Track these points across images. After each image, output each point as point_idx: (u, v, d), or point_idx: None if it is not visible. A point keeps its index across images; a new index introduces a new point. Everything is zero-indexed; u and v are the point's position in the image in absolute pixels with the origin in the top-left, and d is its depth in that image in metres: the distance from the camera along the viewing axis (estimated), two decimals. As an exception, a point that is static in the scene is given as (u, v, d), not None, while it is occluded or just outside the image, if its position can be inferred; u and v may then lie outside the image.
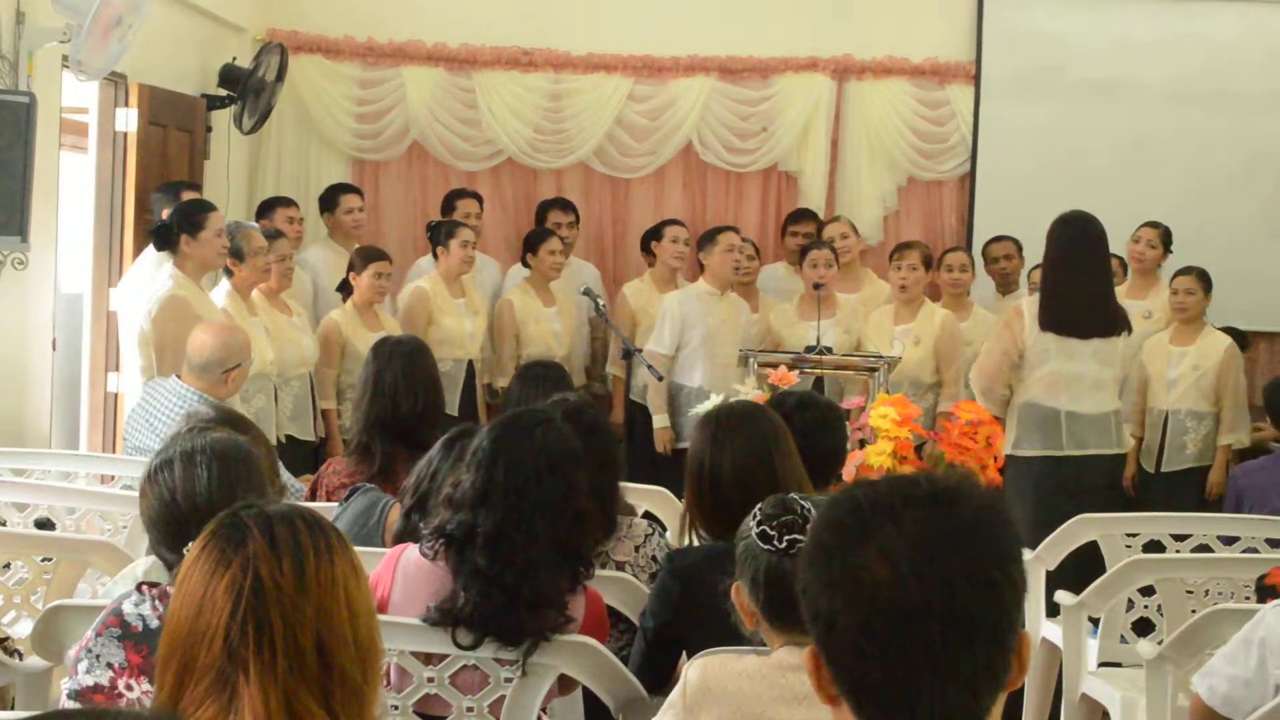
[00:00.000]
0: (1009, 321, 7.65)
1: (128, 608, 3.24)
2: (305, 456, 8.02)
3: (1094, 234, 7.60)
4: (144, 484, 3.44)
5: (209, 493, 3.34)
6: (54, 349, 7.83)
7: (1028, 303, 7.65)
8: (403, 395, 5.81)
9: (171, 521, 3.33)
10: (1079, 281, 7.53)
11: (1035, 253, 9.66)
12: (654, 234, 9.86)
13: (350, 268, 8.73)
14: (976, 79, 10.86)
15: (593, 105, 10.84)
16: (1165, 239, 9.34)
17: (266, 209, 9.35)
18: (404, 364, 5.89)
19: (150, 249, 7.59)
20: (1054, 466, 7.48)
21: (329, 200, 9.78)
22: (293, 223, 9.20)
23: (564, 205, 10.28)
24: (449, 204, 9.96)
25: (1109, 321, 7.59)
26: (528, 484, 3.96)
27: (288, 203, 9.46)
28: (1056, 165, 10.64)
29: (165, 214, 7.61)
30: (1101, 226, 7.64)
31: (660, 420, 9.03)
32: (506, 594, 3.89)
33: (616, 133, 10.88)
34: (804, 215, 10.40)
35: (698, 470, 4.38)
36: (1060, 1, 10.84)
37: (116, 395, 8.42)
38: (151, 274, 7.50)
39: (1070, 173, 10.52)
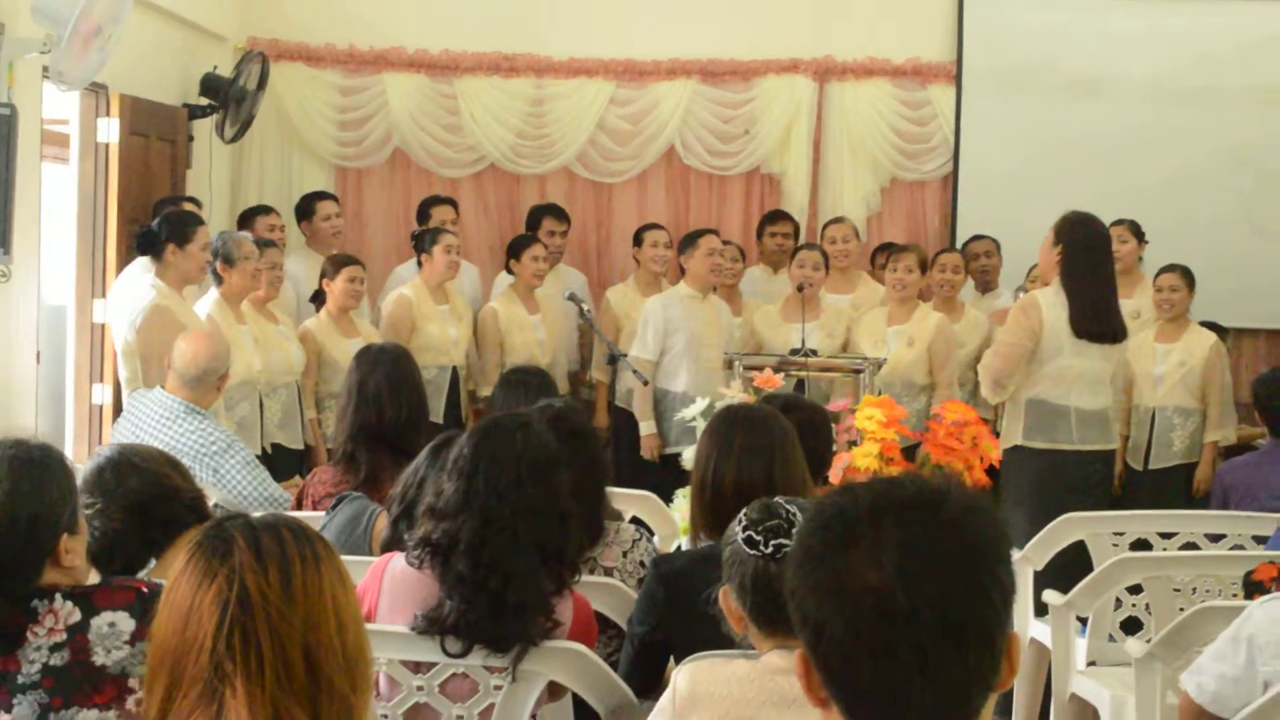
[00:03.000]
0: (1025, 311, 7.59)
1: None
2: (292, 465, 8.02)
3: (1106, 235, 7.62)
4: None
5: None
6: (38, 361, 7.80)
7: (1043, 295, 7.59)
8: (387, 403, 5.77)
9: None
10: (1100, 285, 7.53)
11: (1015, 251, 9.75)
12: (635, 240, 9.85)
13: (323, 275, 8.73)
14: (958, 78, 10.89)
15: (574, 110, 10.86)
16: (1136, 231, 9.36)
17: (247, 218, 9.35)
18: (388, 371, 5.85)
19: (138, 259, 7.59)
20: (1059, 460, 7.48)
21: (306, 208, 9.79)
22: (274, 230, 9.20)
23: (556, 212, 10.27)
24: (424, 211, 9.97)
25: (1122, 328, 7.60)
26: (509, 489, 3.95)
27: (268, 211, 9.46)
28: (1039, 163, 10.66)
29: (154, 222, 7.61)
30: (1106, 227, 7.67)
31: (647, 427, 9.01)
32: (491, 600, 3.89)
33: (599, 137, 10.90)
34: (780, 216, 10.42)
35: (701, 474, 4.38)
36: (1039, 0, 10.85)
37: (102, 407, 8.40)
38: (136, 284, 7.50)
39: (1053, 170, 10.55)
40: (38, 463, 3.28)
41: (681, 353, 8.97)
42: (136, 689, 3.10)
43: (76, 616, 3.18)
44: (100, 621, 3.17)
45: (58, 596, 3.20)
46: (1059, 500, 7.12)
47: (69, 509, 3.30)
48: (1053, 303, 7.50)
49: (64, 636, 3.16)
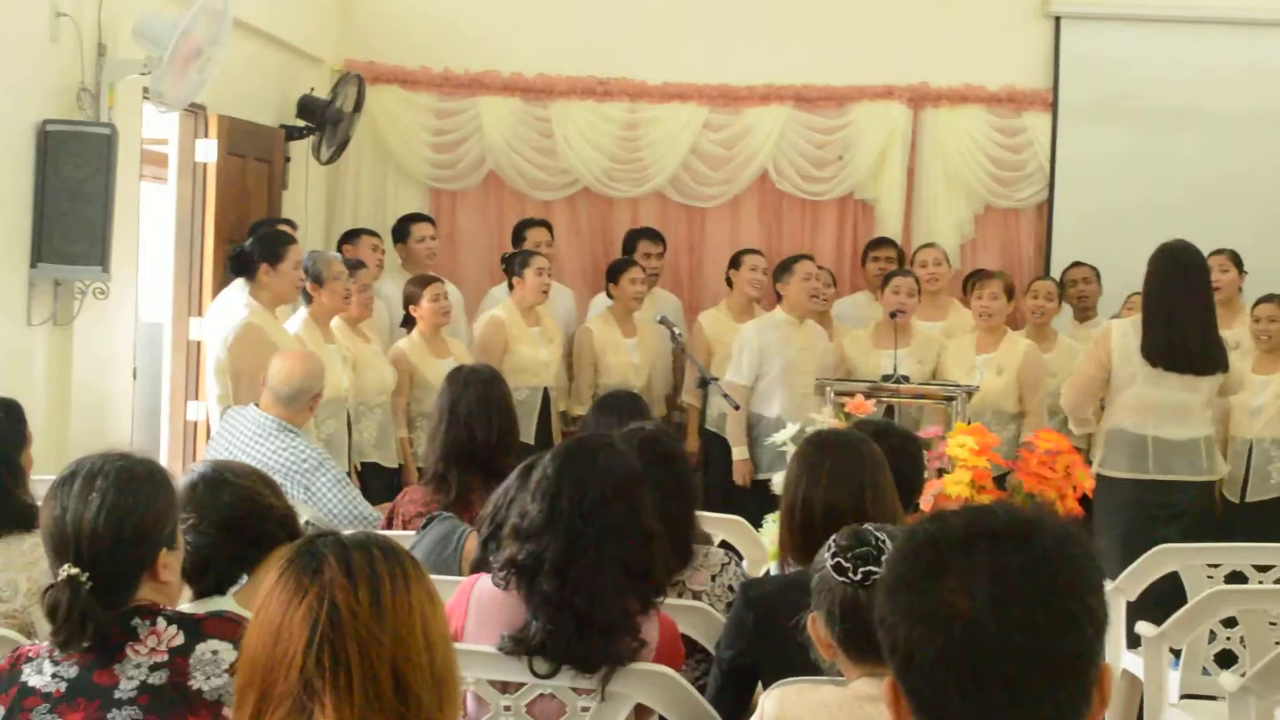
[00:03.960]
0: (1097, 341, 7.64)
1: (36, 681, 3.18)
2: (386, 483, 8.06)
3: (1197, 264, 7.56)
4: (48, 493, 3.32)
5: (94, 521, 3.21)
6: (134, 378, 7.89)
7: (1117, 325, 7.60)
8: (478, 424, 5.81)
9: (55, 539, 3.24)
10: (1181, 315, 7.48)
11: (1113, 281, 9.69)
12: (733, 263, 9.85)
13: (408, 301, 8.74)
14: (1054, 106, 10.82)
15: (668, 134, 10.87)
16: (1236, 261, 9.29)
17: (350, 238, 9.38)
18: (479, 392, 5.89)
19: (235, 280, 7.65)
20: (1140, 490, 7.46)
21: (401, 230, 9.82)
22: (376, 251, 9.25)
23: (652, 235, 10.29)
24: (519, 234, 10.00)
25: (1213, 360, 7.55)
26: (593, 509, 3.96)
27: (371, 233, 9.50)
28: (1135, 193, 10.59)
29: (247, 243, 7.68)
30: (1203, 257, 7.61)
31: (740, 453, 8.99)
32: (577, 620, 3.89)
33: (692, 162, 10.90)
34: (884, 242, 10.40)
35: (790, 499, 4.36)
36: (1138, 28, 10.79)
37: (196, 424, 8.48)
38: (232, 303, 7.57)
39: (1148, 201, 10.47)
40: (144, 476, 3.32)
41: (777, 378, 8.94)
42: (229, 719, 3.12)
43: (181, 640, 3.20)
44: (204, 648, 3.19)
45: (161, 619, 3.22)
46: (1140, 530, 7.09)
47: (170, 524, 3.33)
48: (1126, 331, 7.50)
49: (165, 658, 3.18)
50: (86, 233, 6.97)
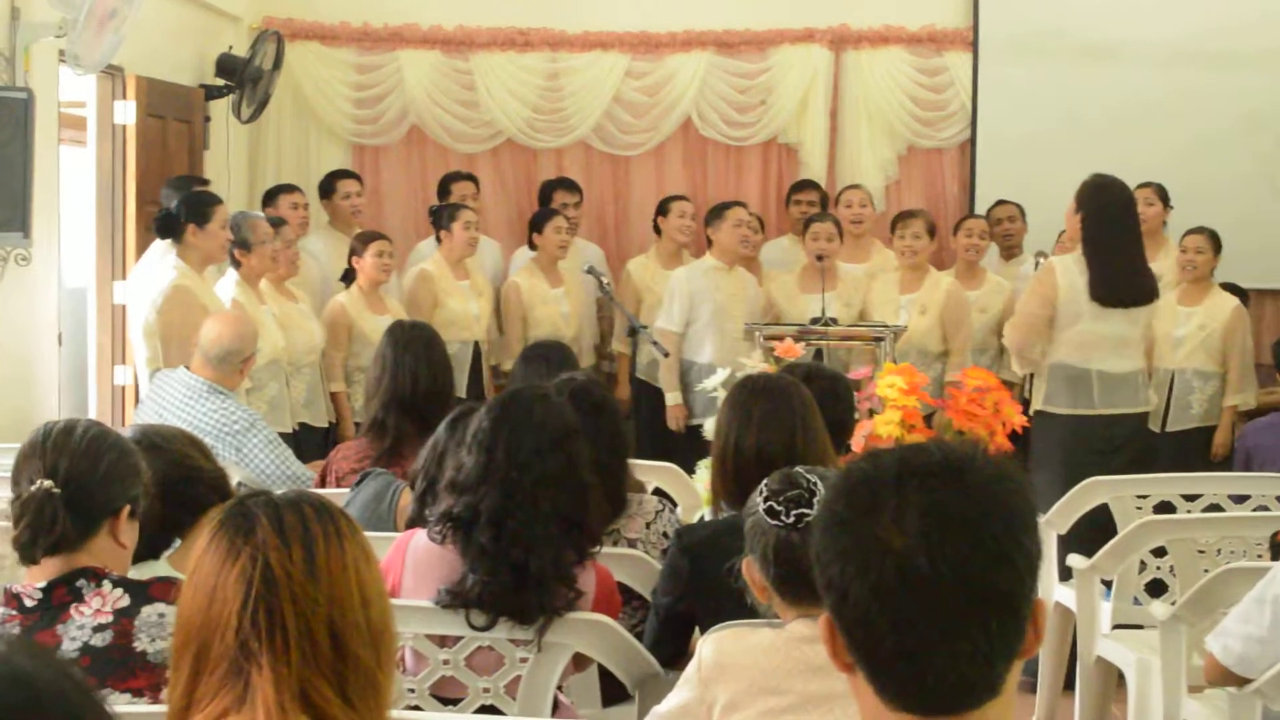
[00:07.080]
0: (1041, 279, 7.62)
1: None
2: (318, 443, 8.03)
3: (1128, 197, 7.59)
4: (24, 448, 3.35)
5: (77, 444, 3.27)
6: (60, 344, 7.83)
7: (1059, 262, 7.60)
8: (422, 374, 5.85)
9: (32, 458, 3.27)
10: (1123, 249, 7.51)
11: (1037, 218, 9.73)
12: (661, 210, 9.84)
13: (352, 253, 8.73)
14: (974, 45, 10.83)
15: (590, 83, 10.83)
16: (1162, 195, 9.33)
17: (271, 196, 9.33)
18: (423, 345, 5.95)
19: (158, 242, 7.59)
20: (1083, 425, 7.49)
21: (327, 187, 9.78)
22: (297, 209, 9.18)
23: (568, 185, 10.26)
24: (445, 187, 9.95)
25: (1150, 289, 7.59)
26: (528, 461, 3.98)
27: (291, 189, 9.44)
28: (1057, 128, 10.60)
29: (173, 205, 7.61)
30: (1130, 190, 7.64)
31: (673, 398, 9.01)
32: (514, 571, 3.91)
33: (615, 110, 10.87)
34: (808, 185, 10.38)
35: (722, 444, 4.39)
36: (1055, -36, 10.81)
37: (124, 388, 8.43)
38: (158, 266, 7.51)
39: (1071, 135, 10.48)
40: (119, 439, 3.41)
41: (707, 324, 8.96)
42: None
43: (125, 602, 3.21)
44: (150, 610, 3.20)
45: (106, 581, 3.22)
46: (1084, 464, 7.13)
47: (138, 488, 3.38)
48: (1070, 268, 7.49)
49: (109, 619, 3.19)
50: (6, 199, 6.91)
